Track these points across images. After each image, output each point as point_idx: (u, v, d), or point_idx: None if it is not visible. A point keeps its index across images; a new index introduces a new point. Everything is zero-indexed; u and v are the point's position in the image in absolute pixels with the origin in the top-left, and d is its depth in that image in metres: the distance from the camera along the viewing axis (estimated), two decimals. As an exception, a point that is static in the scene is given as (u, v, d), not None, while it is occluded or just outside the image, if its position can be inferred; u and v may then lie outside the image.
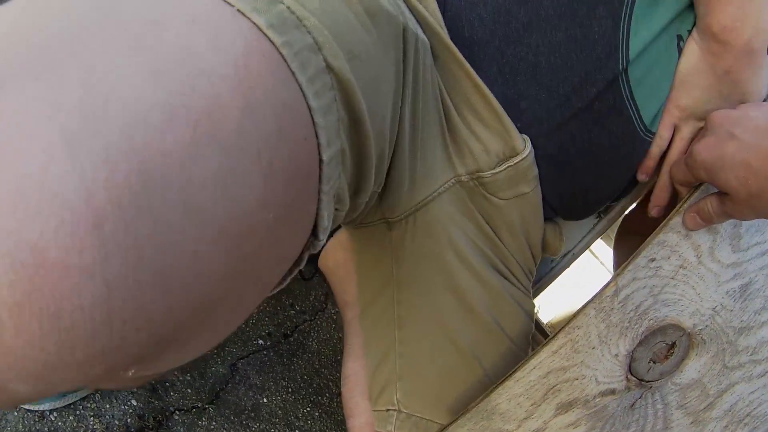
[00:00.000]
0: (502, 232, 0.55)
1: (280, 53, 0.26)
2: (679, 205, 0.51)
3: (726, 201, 0.46)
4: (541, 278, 0.72)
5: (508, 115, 0.49)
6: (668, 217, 0.52)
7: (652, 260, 0.52)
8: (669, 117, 0.53)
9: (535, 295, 0.71)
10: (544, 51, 0.48)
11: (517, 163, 0.50)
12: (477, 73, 0.48)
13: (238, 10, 0.25)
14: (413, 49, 0.42)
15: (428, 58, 0.45)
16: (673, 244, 0.52)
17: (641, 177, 0.57)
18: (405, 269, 0.54)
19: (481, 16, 0.48)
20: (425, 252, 0.53)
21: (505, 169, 0.50)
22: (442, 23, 0.48)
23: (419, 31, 0.44)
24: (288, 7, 0.28)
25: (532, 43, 0.48)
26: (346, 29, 0.32)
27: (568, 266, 0.73)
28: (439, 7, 0.48)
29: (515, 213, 0.54)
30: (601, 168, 0.55)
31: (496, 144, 0.50)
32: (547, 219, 0.59)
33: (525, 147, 0.50)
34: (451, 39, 0.47)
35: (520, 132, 0.51)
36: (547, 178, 0.54)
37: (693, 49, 0.50)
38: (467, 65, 0.47)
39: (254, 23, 0.26)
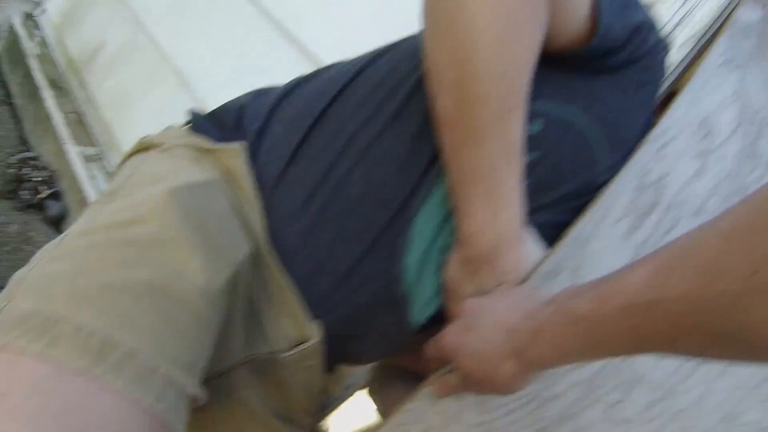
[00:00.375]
0: (290, 391, 0.61)
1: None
2: (429, 378, 0.55)
3: (464, 380, 0.51)
4: (328, 407, 0.75)
5: (309, 306, 0.57)
6: (418, 388, 0.56)
7: (401, 425, 0.54)
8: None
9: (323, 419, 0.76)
10: (344, 261, 0.56)
11: (308, 347, 0.57)
12: (288, 272, 0.56)
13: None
14: (240, 281, 0.51)
15: (247, 269, 0.53)
16: (419, 412, 0.56)
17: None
18: (206, 425, 0.58)
19: (297, 230, 0.56)
20: (223, 410, 0.58)
21: (297, 352, 0.58)
22: (264, 227, 0.56)
23: (245, 245, 0.53)
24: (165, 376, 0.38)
25: (335, 254, 0.56)
26: (199, 345, 0.44)
27: (351, 396, 0.76)
28: (264, 212, 0.56)
29: (302, 377, 0.61)
30: (379, 343, 0.63)
31: (292, 332, 0.57)
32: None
33: (316, 334, 0.57)
34: (273, 238, 0.56)
35: (316, 317, 0.58)
36: (333, 349, 0.60)
37: (452, 258, 0.55)
38: (278, 268, 0.56)
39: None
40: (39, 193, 1.39)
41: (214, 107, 0.64)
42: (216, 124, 0.62)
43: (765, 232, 0.29)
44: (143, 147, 0.60)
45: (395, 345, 0.64)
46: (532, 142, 0.53)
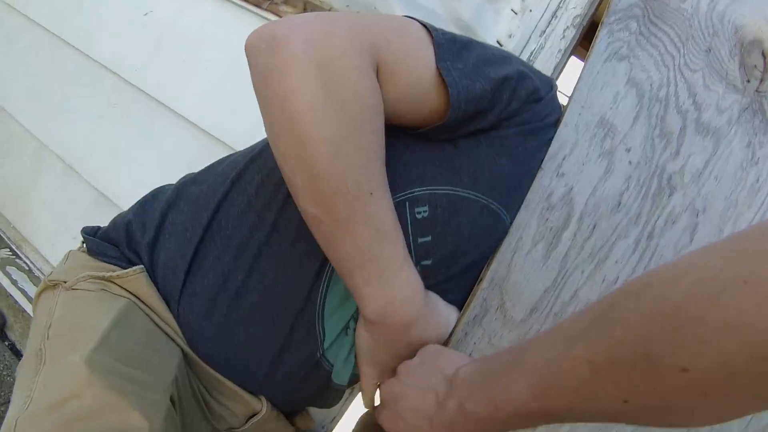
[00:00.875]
0: None
1: None
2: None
3: None
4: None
5: (248, 389, 0.63)
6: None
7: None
8: (368, 379, 0.58)
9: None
10: (265, 357, 0.60)
11: (259, 417, 0.65)
12: (218, 368, 0.61)
13: None
14: (179, 383, 0.56)
15: (183, 370, 0.58)
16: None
17: None
18: None
19: (208, 338, 0.60)
20: None
21: (251, 424, 0.65)
22: (182, 336, 0.61)
23: (175, 350, 0.58)
24: None
25: (250, 354, 0.60)
26: None
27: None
28: (176, 320, 0.60)
29: None
30: (322, 396, 0.69)
31: (241, 409, 0.65)
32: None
33: (263, 405, 0.64)
34: (192, 345, 0.61)
35: (259, 393, 0.64)
36: (287, 406, 0.68)
37: (361, 331, 0.56)
38: (206, 367, 0.61)
39: None
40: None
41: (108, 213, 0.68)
42: (111, 243, 0.66)
43: (625, 367, 0.31)
44: (51, 284, 0.63)
45: (337, 395, 0.71)
46: (423, 227, 0.55)
